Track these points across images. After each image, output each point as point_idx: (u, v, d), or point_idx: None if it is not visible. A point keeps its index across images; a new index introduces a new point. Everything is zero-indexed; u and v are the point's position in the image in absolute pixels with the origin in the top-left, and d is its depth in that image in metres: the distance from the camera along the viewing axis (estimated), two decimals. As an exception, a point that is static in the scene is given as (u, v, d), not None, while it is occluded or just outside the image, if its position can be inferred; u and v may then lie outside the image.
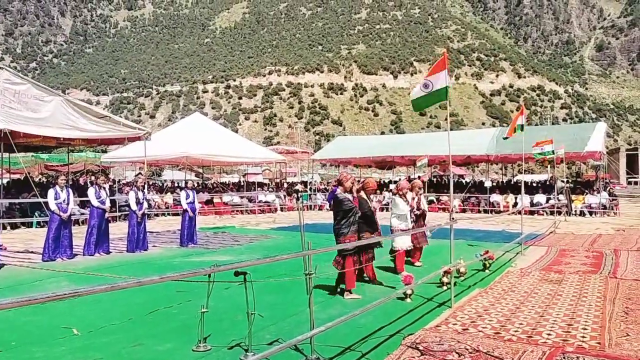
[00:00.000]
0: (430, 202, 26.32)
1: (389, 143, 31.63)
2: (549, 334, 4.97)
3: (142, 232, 11.02)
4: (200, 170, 39.80)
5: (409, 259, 8.85)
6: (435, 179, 35.15)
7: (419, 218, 9.11)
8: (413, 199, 8.93)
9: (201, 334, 4.55)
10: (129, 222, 11.04)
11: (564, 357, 4.30)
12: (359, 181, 7.77)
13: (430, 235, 9.31)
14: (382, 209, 23.68)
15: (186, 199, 12.20)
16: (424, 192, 25.61)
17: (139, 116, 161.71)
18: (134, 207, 10.93)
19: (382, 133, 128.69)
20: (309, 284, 4.28)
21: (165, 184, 35.11)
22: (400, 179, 32.90)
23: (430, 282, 7.02)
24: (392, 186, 8.67)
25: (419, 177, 36.74)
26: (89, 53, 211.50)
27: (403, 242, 8.27)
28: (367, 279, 7.45)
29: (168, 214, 22.94)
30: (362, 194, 7.47)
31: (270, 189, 30.11)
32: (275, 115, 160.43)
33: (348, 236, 6.59)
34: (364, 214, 7.13)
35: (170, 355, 4.43)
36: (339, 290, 6.79)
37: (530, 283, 7.54)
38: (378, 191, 8.48)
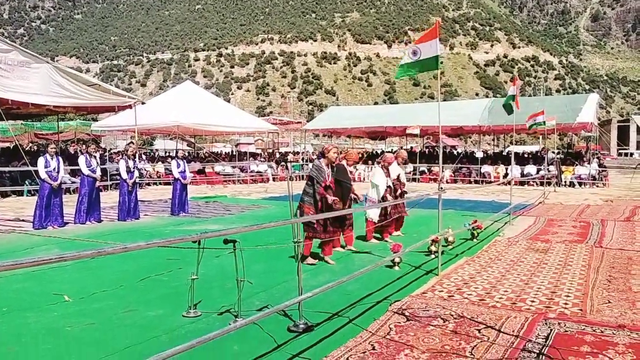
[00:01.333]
0: (422, 173, 26.43)
1: (381, 113, 31.53)
2: (532, 301, 5.08)
3: (133, 200, 11.03)
4: (192, 140, 39.57)
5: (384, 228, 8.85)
6: (427, 150, 35.22)
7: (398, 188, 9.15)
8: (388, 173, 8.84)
9: (191, 301, 4.61)
10: (120, 191, 11.05)
11: (546, 323, 4.41)
12: (341, 152, 7.83)
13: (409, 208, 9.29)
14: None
15: (177, 168, 12.18)
16: (417, 162, 26.00)
17: (130, 84, 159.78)
18: (124, 175, 10.92)
19: (376, 103, 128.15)
20: (298, 252, 4.33)
21: (156, 153, 34.93)
22: (392, 150, 32.73)
23: (418, 251, 7.11)
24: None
25: (412, 148, 36.90)
26: (77, 19, 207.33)
27: (374, 213, 8.34)
28: (345, 246, 7.57)
29: (160, 183, 22.90)
30: (344, 163, 7.52)
31: (262, 159, 30.08)
32: (267, 85, 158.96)
33: (305, 205, 6.57)
34: (343, 185, 7.16)
35: (161, 321, 4.50)
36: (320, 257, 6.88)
37: (517, 252, 7.66)
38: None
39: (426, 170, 26.69)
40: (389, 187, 8.55)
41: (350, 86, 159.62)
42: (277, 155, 32.27)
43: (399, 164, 9.19)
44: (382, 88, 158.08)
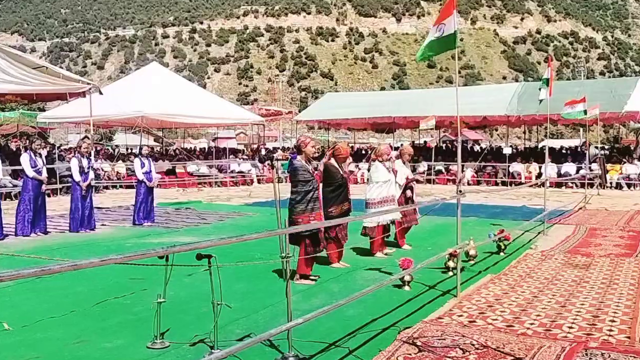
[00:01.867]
0: (438, 173, 26.51)
1: (389, 101, 31.63)
2: (570, 327, 5.09)
3: (87, 207, 11.04)
4: (160, 134, 39.52)
5: (390, 239, 8.92)
6: (444, 145, 35.34)
7: (406, 190, 9.18)
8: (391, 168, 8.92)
9: (158, 329, 4.60)
10: (72, 196, 11.05)
11: (587, 354, 4.42)
12: (329, 147, 7.89)
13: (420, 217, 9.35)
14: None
15: (141, 167, 12.19)
16: (433, 159, 26.09)
17: (84, 67, 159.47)
18: (77, 177, 10.91)
19: (382, 89, 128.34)
20: (287, 269, 4.34)
21: (117, 150, 34.90)
22: (402, 145, 32.92)
23: (433, 267, 7.13)
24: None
25: (426, 143, 37.00)
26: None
27: (380, 217, 8.33)
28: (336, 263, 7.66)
29: (120, 187, 22.86)
30: (333, 161, 7.57)
31: (245, 157, 30.09)
32: (251, 67, 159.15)
33: (303, 215, 6.67)
34: (338, 184, 7.25)
35: (120, 353, 4.49)
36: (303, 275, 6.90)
37: (552, 268, 7.69)
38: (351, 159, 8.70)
39: (443, 170, 26.79)
40: (406, 185, 8.64)
41: (351, 68, 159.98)
42: (263, 152, 32.30)
43: (404, 163, 9.22)
44: (389, 71, 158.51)
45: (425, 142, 38.68)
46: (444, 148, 32.49)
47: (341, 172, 7.58)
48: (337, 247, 7.53)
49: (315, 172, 6.94)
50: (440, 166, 26.97)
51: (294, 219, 6.65)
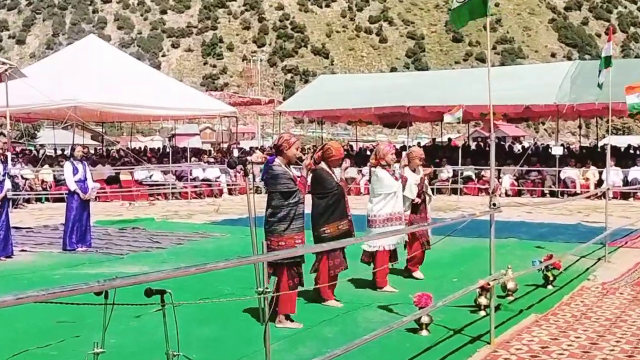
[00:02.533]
0: (466, 180, 26.53)
1: (402, 86, 31.68)
2: (639, 384, 5.10)
3: (2, 228, 10.97)
4: (99, 130, 39.52)
5: (394, 265, 8.93)
6: (475, 143, 35.43)
7: (420, 205, 9.29)
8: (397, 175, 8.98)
9: (94, 389, 4.58)
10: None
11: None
12: (319, 148, 7.92)
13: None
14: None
15: (73, 174, 12.15)
16: (460, 162, 26.07)
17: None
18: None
19: (393, 70, 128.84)
20: (265, 308, 4.34)
21: (42, 152, 34.77)
22: (418, 144, 32.89)
23: (459, 305, 7.14)
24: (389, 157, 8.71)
25: (450, 142, 37.08)
26: None
27: (385, 239, 8.36)
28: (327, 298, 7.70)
29: (46, 199, 22.76)
30: (324, 166, 7.62)
31: (212, 160, 30.05)
32: (221, 41, 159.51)
33: (284, 236, 6.69)
34: (332, 196, 7.34)
35: (44, 422, 4.47)
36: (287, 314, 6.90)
37: (616, 305, 7.70)
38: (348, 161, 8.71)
39: (473, 176, 26.82)
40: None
41: (351, 43, 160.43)
42: (235, 154, 32.26)
43: (413, 170, 9.27)
44: (402, 46, 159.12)
45: (449, 139, 38.90)
46: (474, 148, 32.54)
47: (336, 180, 7.62)
48: (332, 278, 7.54)
49: (299, 179, 6.94)
50: (469, 171, 27.00)
51: (273, 241, 6.66)
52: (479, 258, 9.57)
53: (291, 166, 6.99)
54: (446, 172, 26.72)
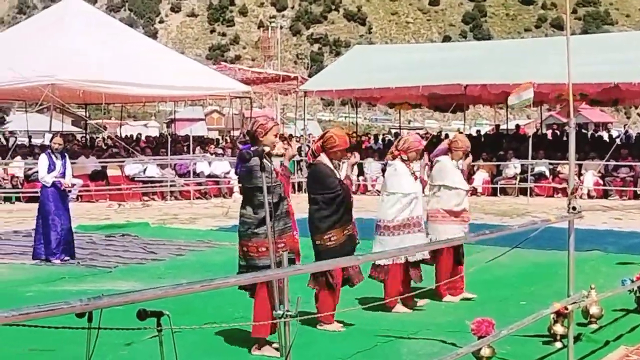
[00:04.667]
0: (537, 177, 26.37)
1: (458, 59, 31.52)
2: None
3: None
4: (83, 113, 39.79)
5: (417, 283, 8.96)
6: (550, 131, 35.18)
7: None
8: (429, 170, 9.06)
9: None
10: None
11: None
12: (318, 136, 7.96)
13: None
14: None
15: (48, 169, 12.24)
16: (530, 155, 25.85)
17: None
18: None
19: (447, 39, 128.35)
20: (285, 333, 4.35)
21: (11, 141, 35.10)
22: (478, 132, 32.48)
23: (528, 334, 7.11)
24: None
25: (518, 129, 36.79)
26: None
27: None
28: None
29: (17, 199, 22.95)
30: (324, 159, 7.69)
31: (219, 151, 30.10)
32: (232, 3, 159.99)
33: (262, 241, 6.68)
34: (335, 196, 7.43)
35: None
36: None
37: None
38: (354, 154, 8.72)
39: (547, 173, 26.64)
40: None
41: (394, 5, 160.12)
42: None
43: (457, 162, 9.34)
44: (458, 9, 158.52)
45: (517, 126, 38.61)
46: (548, 137, 32.34)
47: (338, 176, 7.67)
48: (333, 297, 7.64)
49: (281, 172, 7.02)
50: (542, 166, 26.84)
51: (251, 247, 6.76)
52: (553, 276, 9.53)
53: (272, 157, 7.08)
54: (513, 167, 26.58)
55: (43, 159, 12.53)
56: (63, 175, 12.40)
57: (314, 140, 7.94)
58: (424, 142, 9.40)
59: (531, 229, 7.49)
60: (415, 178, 8.66)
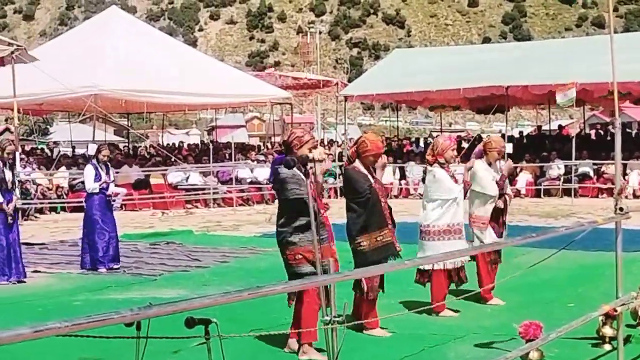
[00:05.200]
0: (582, 178, 26.16)
1: (499, 61, 31.36)
2: None
3: (13, 244, 11.16)
4: (125, 122, 40.06)
5: (460, 286, 8.95)
6: (594, 131, 34.88)
7: (503, 210, 9.39)
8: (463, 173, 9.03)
9: None
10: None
11: None
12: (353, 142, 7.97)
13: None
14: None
15: (95, 179, 12.30)
16: (574, 156, 25.67)
17: (3, 17, 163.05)
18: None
19: (487, 40, 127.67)
20: (333, 341, 4.35)
21: (56, 151, 35.36)
22: (521, 133, 32.33)
23: (576, 337, 7.05)
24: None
25: (561, 129, 36.54)
26: None
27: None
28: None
29: (63, 209, 23.13)
30: (358, 164, 7.69)
31: (261, 157, 30.15)
32: (270, 10, 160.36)
33: (299, 248, 6.86)
34: (367, 200, 7.42)
35: None
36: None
37: None
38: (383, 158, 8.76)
39: (591, 173, 26.42)
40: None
41: (433, 8, 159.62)
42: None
43: (490, 165, 9.31)
44: (497, 10, 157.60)
45: (560, 127, 38.31)
46: (592, 137, 32.06)
47: (371, 180, 7.66)
48: (371, 304, 7.69)
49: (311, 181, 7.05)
50: (586, 167, 26.62)
51: (288, 255, 6.95)
52: (601, 277, 9.46)
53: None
54: (556, 168, 26.39)
55: (89, 169, 12.57)
56: (107, 187, 12.46)
57: (349, 146, 8.01)
58: (454, 138, 9.35)
59: (578, 230, 7.44)
60: (455, 181, 8.65)
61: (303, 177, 6.90)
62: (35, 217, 21.40)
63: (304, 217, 6.76)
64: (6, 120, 32.26)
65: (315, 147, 7.22)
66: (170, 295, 9.84)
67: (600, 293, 8.29)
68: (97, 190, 12.29)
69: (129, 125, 39.90)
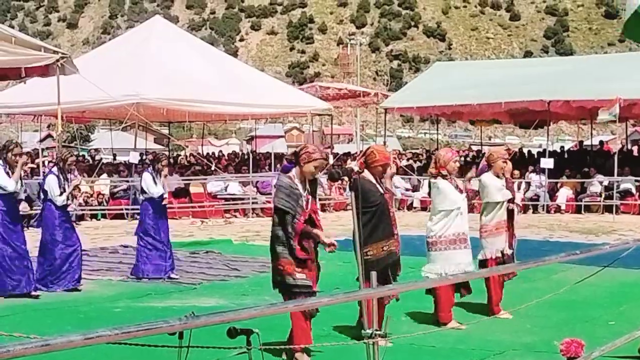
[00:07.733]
0: (623, 195, 25.94)
1: (540, 75, 31.19)
2: None
3: (73, 252, 11.35)
4: (165, 132, 40.35)
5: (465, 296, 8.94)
6: (637, 147, 34.58)
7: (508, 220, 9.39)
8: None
9: None
10: (47, 234, 11.25)
11: None
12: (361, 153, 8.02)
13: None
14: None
15: (155, 186, 12.43)
16: (616, 172, 25.46)
17: (47, 25, 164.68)
18: (60, 200, 11.13)
19: (528, 54, 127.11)
20: (374, 355, 4.35)
21: (98, 158, 35.70)
22: (562, 148, 32.14)
23: (618, 356, 6.99)
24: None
25: (603, 145, 36.27)
26: None
27: (447, 266, 8.54)
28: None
29: (103, 216, 23.34)
30: (367, 175, 7.78)
31: (301, 167, 30.21)
32: (311, 21, 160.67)
33: (283, 259, 7.11)
34: (375, 210, 7.53)
35: None
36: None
37: None
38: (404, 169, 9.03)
39: (633, 190, 26.18)
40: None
41: (474, 21, 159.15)
42: (330, 161, 32.39)
43: (497, 176, 9.36)
44: (540, 24, 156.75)
45: (601, 142, 38.01)
46: (634, 153, 31.78)
47: (380, 190, 7.76)
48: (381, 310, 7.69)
49: (309, 204, 7.23)
50: (628, 183, 26.37)
51: (277, 265, 7.18)
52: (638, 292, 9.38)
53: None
54: (597, 184, 26.15)
55: (147, 176, 12.67)
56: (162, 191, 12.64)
57: (358, 156, 8.17)
58: (455, 150, 9.45)
59: (622, 248, 7.40)
60: (461, 191, 8.79)
61: (301, 191, 7.07)
62: (77, 223, 21.57)
63: (284, 228, 7.05)
64: (48, 126, 32.40)
65: (320, 168, 7.40)
66: (210, 304, 9.90)
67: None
68: (159, 194, 12.44)
69: (169, 134, 40.13)
